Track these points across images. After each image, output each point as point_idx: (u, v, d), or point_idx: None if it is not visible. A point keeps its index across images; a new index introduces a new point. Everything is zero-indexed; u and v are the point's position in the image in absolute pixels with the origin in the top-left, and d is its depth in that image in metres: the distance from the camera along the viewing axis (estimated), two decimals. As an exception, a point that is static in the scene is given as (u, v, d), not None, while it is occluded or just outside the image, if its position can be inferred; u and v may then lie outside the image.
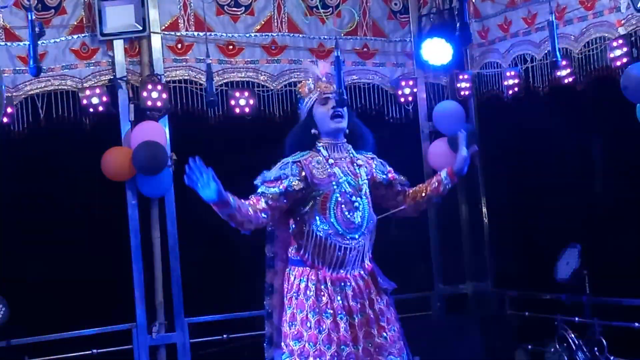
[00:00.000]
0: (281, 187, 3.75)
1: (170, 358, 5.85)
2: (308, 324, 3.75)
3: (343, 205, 3.83)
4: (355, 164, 3.94)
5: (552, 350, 5.93)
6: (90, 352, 5.66)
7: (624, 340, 5.57)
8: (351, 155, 3.97)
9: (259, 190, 3.78)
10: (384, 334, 3.91)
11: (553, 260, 5.89)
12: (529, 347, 6.30)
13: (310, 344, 3.72)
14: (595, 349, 5.51)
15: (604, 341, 5.47)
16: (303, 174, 3.80)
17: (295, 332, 3.76)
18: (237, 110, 5.94)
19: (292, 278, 3.87)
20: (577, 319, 5.73)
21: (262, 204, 3.71)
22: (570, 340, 5.71)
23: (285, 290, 3.88)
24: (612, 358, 5.43)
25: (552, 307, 6.05)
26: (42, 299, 6.76)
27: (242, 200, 3.65)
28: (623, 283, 5.86)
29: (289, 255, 3.93)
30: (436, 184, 4.01)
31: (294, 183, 3.77)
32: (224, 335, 6.04)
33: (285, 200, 3.77)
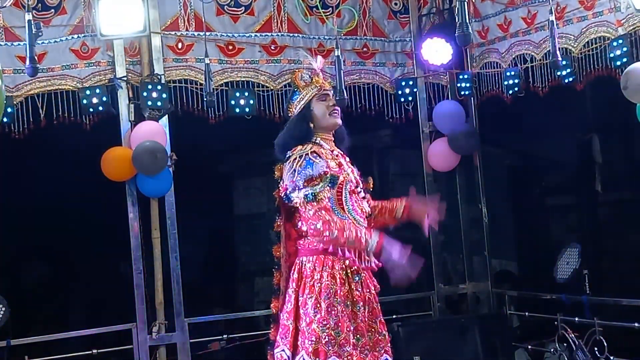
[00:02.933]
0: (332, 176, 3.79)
1: (170, 358, 5.85)
2: (334, 312, 3.73)
3: (355, 195, 3.89)
4: (346, 158, 4.00)
5: (552, 350, 5.93)
6: (90, 352, 5.65)
7: (624, 340, 5.58)
8: (340, 151, 4.01)
9: (317, 196, 3.72)
10: (383, 332, 3.94)
11: (553, 260, 5.90)
12: (529, 347, 6.30)
13: (337, 331, 3.72)
14: (595, 349, 5.51)
15: (604, 341, 5.47)
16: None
17: (322, 319, 3.72)
18: (237, 110, 5.93)
19: (309, 266, 3.82)
20: (577, 319, 5.72)
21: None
22: (570, 340, 5.71)
23: (297, 279, 3.83)
24: (612, 358, 5.43)
25: (552, 307, 6.05)
26: (42, 299, 6.78)
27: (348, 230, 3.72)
28: (623, 283, 5.87)
29: (304, 246, 3.87)
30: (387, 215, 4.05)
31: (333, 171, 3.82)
32: (224, 335, 6.03)
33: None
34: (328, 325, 3.71)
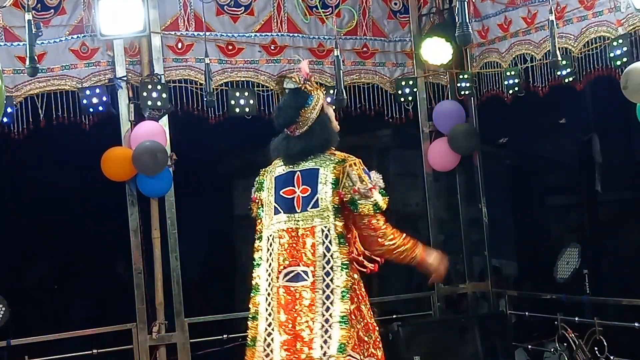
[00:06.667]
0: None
1: (170, 358, 5.85)
2: (368, 315, 3.74)
3: None
4: None
5: (552, 350, 5.94)
6: (90, 352, 5.65)
7: (624, 340, 5.58)
8: None
9: (381, 206, 3.69)
10: None
11: (553, 260, 5.90)
12: (529, 347, 6.31)
13: (370, 334, 3.73)
14: (595, 349, 5.51)
15: (604, 341, 5.47)
16: None
17: (366, 325, 3.72)
18: (237, 110, 5.93)
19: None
20: (577, 319, 5.73)
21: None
22: (570, 340, 5.72)
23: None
24: (612, 358, 5.43)
25: (552, 307, 6.06)
26: (42, 299, 6.78)
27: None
28: (623, 283, 5.87)
29: None
30: None
31: None
32: (224, 335, 6.03)
33: None
34: (371, 330, 3.73)
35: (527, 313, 6.40)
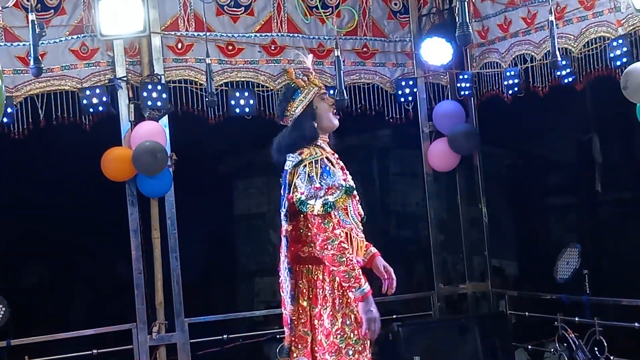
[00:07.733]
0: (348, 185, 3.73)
1: (170, 358, 5.85)
2: (349, 321, 3.71)
3: (354, 199, 3.83)
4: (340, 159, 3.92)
5: (552, 350, 5.94)
6: (90, 352, 5.65)
7: (624, 340, 5.58)
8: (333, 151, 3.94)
9: (335, 205, 3.64)
10: None
11: (553, 260, 5.90)
12: (529, 347, 6.31)
13: (355, 339, 3.69)
14: (595, 349, 5.52)
15: (604, 341, 5.47)
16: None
17: (339, 330, 3.69)
18: (237, 110, 5.94)
19: (318, 276, 3.75)
20: (577, 319, 5.73)
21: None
22: (570, 340, 5.72)
23: (307, 288, 3.76)
24: (612, 358, 5.43)
25: (552, 307, 6.06)
26: (42, 299, 6.78)
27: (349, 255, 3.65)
28: (623, 283, 5.87)
29: (310, 253, 3.77)
30: None
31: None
32: (224, 336, 6.03)
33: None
34: (345, 336, 3.69)
35: (527, 313, 6.40)
